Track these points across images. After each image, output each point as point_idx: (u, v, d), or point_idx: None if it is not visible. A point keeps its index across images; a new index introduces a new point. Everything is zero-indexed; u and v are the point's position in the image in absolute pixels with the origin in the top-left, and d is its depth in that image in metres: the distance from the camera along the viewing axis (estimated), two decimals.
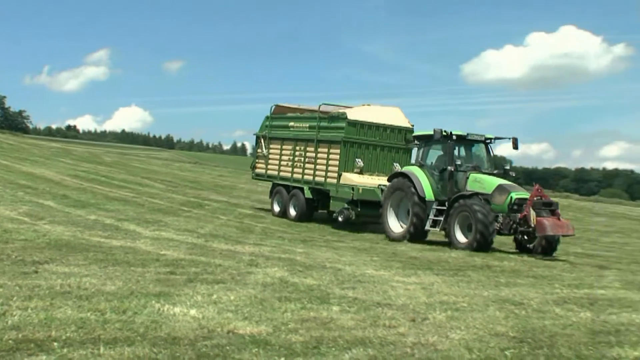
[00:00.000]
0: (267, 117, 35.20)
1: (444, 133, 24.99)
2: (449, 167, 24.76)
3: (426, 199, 24.89)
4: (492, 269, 18.37)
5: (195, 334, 8.40)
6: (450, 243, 23.65)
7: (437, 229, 24.63)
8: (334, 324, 9.63)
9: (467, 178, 24.43)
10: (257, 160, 36.07)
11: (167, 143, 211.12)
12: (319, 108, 31.51)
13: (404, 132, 30.72)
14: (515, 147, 26.25)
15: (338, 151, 29.41)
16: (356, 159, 29.42)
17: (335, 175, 29.32)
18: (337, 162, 29.41)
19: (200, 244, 18.67)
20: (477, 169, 25.07)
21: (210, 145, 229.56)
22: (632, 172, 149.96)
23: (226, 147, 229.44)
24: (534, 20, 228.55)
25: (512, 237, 24.23)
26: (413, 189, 25.04)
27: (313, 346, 8.22)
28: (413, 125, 31.00)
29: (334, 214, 29.39)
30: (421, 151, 26.72)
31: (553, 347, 8.95)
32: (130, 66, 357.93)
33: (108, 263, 13.78)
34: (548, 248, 23.24)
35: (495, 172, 25.31)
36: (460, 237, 23.45)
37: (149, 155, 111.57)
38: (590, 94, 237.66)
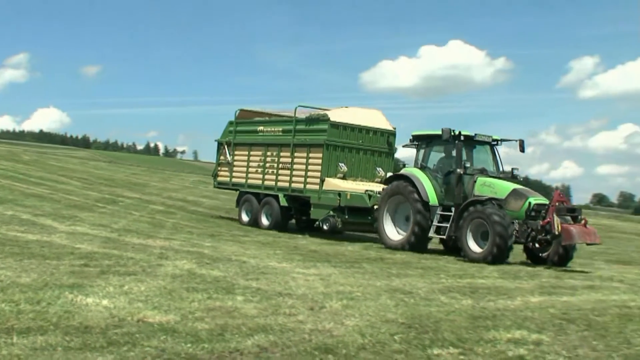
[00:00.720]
0: (230, 123, 31.74)
1: (453, 133, 22.02)
2: (458, 170, 21.70)
3: (430, 203, 21.95)
4: (385, 261, 18.66)
5: (106, 323, 8.27)
6: (463, 253, 20.58)
7: (443, 236, 21.96)
8: (238, 313, 9.59)
9: (475, 182, 21.48)
10: (219, 168, 32.17)
11: (84, 143, 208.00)
12: (295, 111, 28.12)
13: (387, 135, 27.91)
14: (522, 149, 23.45)
15: (320, 155, 26.24)
16: (339, 163, 26.27)
17: (317, 180, 26.12)
18: (319, 167, 26.19)
19: (114, 238, 18.42)
20: (485, 172, 22.14)
21: (124, 145, 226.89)
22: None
23: (140, 147, 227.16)
24: (426, 35, 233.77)
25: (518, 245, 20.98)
26: (415, 194, 22.05)
27: (218, 333, 8.18)
28: (395, 128, 28.28)
29: (317, 223, 25.93)
30: (422, 153, 23.48)
31: (437, 331, 9.08)
32: (49, 70, 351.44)
33: (24, 256, 13.42)
34: (564, 257, 20.52)
35: (501, 175, 22.47)
36: (474, 246, 20.36)
37: (66, 154, 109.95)
38: (475, 102, 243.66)
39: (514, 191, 20.85)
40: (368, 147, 27.22)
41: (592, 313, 11.31)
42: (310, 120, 27.25)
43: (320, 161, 26.14)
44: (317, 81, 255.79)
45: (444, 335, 8.88)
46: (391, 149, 27.93)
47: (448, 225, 21.33)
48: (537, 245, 20.66)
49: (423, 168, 22.98)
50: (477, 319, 10.20)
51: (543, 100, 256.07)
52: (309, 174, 26.55)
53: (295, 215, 28.50)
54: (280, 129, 28.67)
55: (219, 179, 32.32)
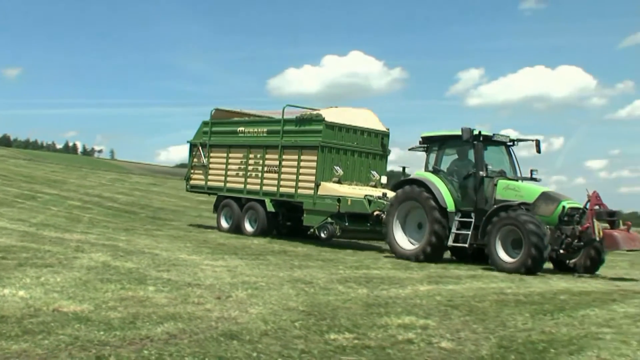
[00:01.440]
0: (205, 123, 28.16)
1: (473, 133, 19.09)
2: (481, 173, 18.79)
3: (447, 210, 19.05)
4: (288, 253, 18.79)
5: (22, 313, 8.13)
6: (491, 262, 17.70)
7: (464, 245, 18.79)
8: (149, 302, 9.51)
9: (495, 185, 18.73)
10: (192, 171, 28.62)
11: (5, 141, 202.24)
12: (283, 111, 24.94)
13: (380, 136, 24.91)
14: (538, 150, 20.37)
15: (314, 158, 23.13)
16: (334, 167, 23.23)
17: (311, 185, 23.07)
18: (313, 171, 23.12)
19: (32, 232, 18.17)
20: (503, 175, 19.41)
21: (44, 144, 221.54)
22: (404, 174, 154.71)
23: (59, 146, 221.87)
24: (329, 45, 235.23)
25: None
26: (432, 199, 19.06)
27: (129, 321, 8.09)
28: (388, 129, 25.33)
29: (311, 230, 23.07)
30: (433, 155, 20.39)
31: (335, 318, 9.13)
32: None
33: None
34: (596, 262, 18.23)
35: (519, 177, 19.67)
36: (504, 256, 17.54)
37: None
38: (373, 107, 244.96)
39: (544, 194, 18.31)
40: (362, 149, 24.36)
41: (473, 300, 11.52)
42: (302, 120, 24.11)
43: (314, 164, 23.18)
44: (229, 86, 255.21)
45: (341, 321, 8.94)
46: (385, 151, 25.12)
47: (469, 232, 18.66)
48: (562, 252, 17.73)
49: (436, 172, 20.05)
50: (371, 306, 10.28)
51: (434, 107, 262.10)
52: (302, 177, 23.59)
53: (281, 221, 25.30)
54: (265, 130, 25.46)
55: (192, 182, 28.79)
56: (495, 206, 18.12)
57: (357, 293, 11.60)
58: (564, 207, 17.67)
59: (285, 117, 24.80)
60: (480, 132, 19.15)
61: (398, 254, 19.66)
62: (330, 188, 22.66)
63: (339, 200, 21.97)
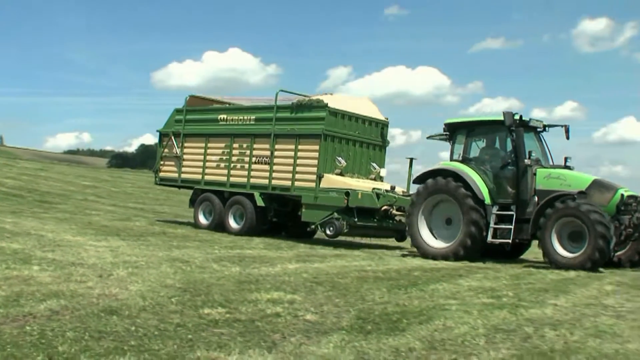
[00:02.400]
0: (177, 111, 24.05)
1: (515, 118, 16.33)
2: (525, 161, 16.04)
3: (485, 203, 16.28)
4: (168, 234, 18.57)
5: None
6: (548, 259, 15.28)
7: (508, 240, 16.21)
8: (33, 281, 9.20)
9: (534, 174, 16.16)
10: (162, 162, 24.34)
11: None
12: (277, 97, 21.12)
13: (380, 126, 21.53)
14: (568, 136, 17.55)
15: (316, 147, 19.59)
16: (337, 157, 19.78)
17: (312, 177, 19.49)
18: (314, 162, 19.57)
19: None
20: (539, 164, 16.72)
21: None
22: None
23: None
24: (209, 42, 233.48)
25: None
26: (467, 192, 16.24)
27: (13, 299, 7.81)
28: (387, 119, 21.96)
29: (313, 226, 19.78)
30: (461, 143, 17.50)
31: (209, 294, 9.07)
32: None
33: None
34: None
35: (552, 165, 16.97)
36: (562, 251, 15.04)
37: None
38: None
39: (597, 182, 15.86)
40: (364, 139, 20.95)
41: (336, 276, 11.63)
42: (301, 106, 20.38)
43: (316, 155, 19.57)
44: (114, 77, 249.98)
45: (214, 297, 8.88)
46: (384, 142, 21.70)
47: (511, 226, 16.04)
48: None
49: (466, 161, 17.16)
50: (242, 283, 10.26)
51: None
52: (300, 169, 19.92)
53: (272, 217, 21.37)
54: (253, 117, 21.59)
55: (162, 174, 24.42)
56: (550, 196, 15.49)
57: (230, 271, 11.55)
58: (622, 195, 15.58)
59: (278, 103, 21.08)
60: (521, 116, 16.48)
61: (427, 252, 16.72)
62: (336, 180, 19.27)
63: (347, 193, 18.61)
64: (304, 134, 19.99)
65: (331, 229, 18.69)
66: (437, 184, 16.76)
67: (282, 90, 21.44)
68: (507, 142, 16.78)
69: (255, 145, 21.20)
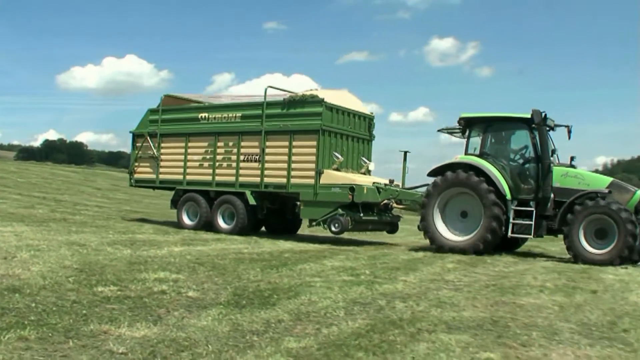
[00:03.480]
0: (151, 111, 21.24)
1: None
2: (552, 159, 15.20)
3: (506, 198, 15.01)
4: (68, 221, 18.21)
5: None
6: (574, 254, 14.33)
7: (529, 236, 15.16)
8: None
9: (551, 172, 15.10)
10: (137, 163, 21.41)
11: None
12: (266, 93, 18.58)
13: (367, 120, 19.50)
14: (570, 136, 16.30)
15: (314, 143, 17.57)
16: (334, 153, 17.82)
17: (309, 173, 17.49)
18: (312, 158, 17.54)
19: None
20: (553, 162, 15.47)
21: None
22: None
23: None
24: (108, 48, 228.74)
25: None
26: (489, 186, 14.95)
27: None
28: (372, 113, 19.87)
29: (314, 223, 17.62)
30: (478, 138, 16.14)
31: (102, 274, 8.98)
32: None
33: None
34: None
35: (560, 164, 15.66)
36: (587, 246, 14.18)
37: None
38: (145, 102, 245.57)
39: (615, 183, 14.95)
40: (354, 134, 18.94)
41: (216, 258, 11.64)
42: (293, 102, 18.12)
43: (314, 150, 17.55)
44: (18, 79, 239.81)
45: (107, 277, 8.81)
46: (371, 136, 19.69)
47: (531, 222, 14.84)
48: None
49: (484, 156, 15.75)
50: (133, 264, 10.17)
51: None
52: (296, 165, 17.83)
53: (263, 215, 19.18)
54: (239, 115, 19.09)
55: (138, 175, 21.46)
56: (578, 194, 14.56)
57: (122, 253, 11.42)
58: None
59: (267, 99, 18.60)
60: (545, 115, 15.11)
61: (443, 245, 15.39)
62: (338, 176, 17.39)
63: (352, 189, 16.86)
64: (299, 130, 17.88)
65: (336, 225, 16.79)
66: (457, 177, 15.35)
67: (270, 87, 18.99)
68: (528, 139, 15.48)
69: (243, 143, 18.81)
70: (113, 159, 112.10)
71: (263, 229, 20.36)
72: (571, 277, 11.40)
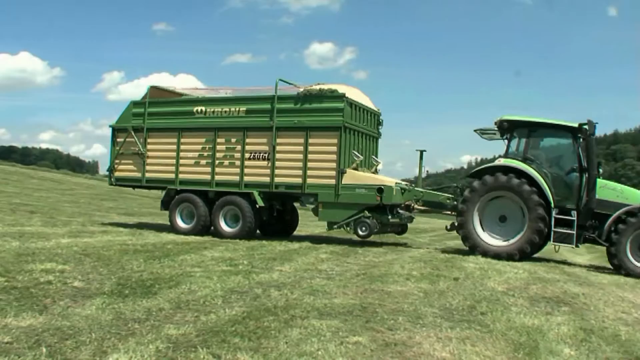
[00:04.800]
0: (135, 103, 18.22)
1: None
2: (600, 170, 14.27)
3: (551, 207, 13.81)
4: None
5: None
6: (621, 267, 13.28)
7: (571, 245, 13.79)
8: None
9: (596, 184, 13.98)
10: (118, 161, 18.35)
11: None
12: (277, 86, 16.28)
13: (376, 117, 17.65)
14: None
15: (334, 141, 15.51)
16: (353, 151, 15.98)
17: (330, 173, 15.50)
18: (333, 156, 15.54)
19: None
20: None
21: None
22: (57, 150, 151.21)
23: None
24: (2, 45, 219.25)
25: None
26: (537, 194, 13.73)
27: None
28: (379, 109, 17.85)
29: (336, 226, 15.67)
30: (521, 142, 14.65)
31: None
32: None
33: None
34: None
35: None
36: (634, 260, 13.20)
37: None
38: (37, 97, 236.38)
39: None
40: (367, 131, 17.04)
41: (102, 249, 11.33)
42: (310, 97, 15.93)
43: (334, 149, 15.55)
44: None
45: None
46: (379, 133, 17.90)
47: (573, 232, 13.65)
48: None
49: (528, 161, 14.37)
50: (21, 255, 9.79)
51: (84, 99, 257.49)
52: (313, 165, 15.73)
53: (269, 218, 17.25)
54: (244, 109, 16.61)
55: (119, 174, 18.37)
56: (629, 208, 13.55)
57: (10, 245, 10.94)
58: None
59: (279, 93, 16.34)
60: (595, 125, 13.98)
61: (486, 250, 14.00)
62: (363, 176, 15.63)
63: (379, 190, 15.15)
64: (317, 126, 15.74)
65: (364, 228, 15.20)
66: (497, 181, 14.06)
67: (281, 80, 16.55)
68: (572, 148, 14.31)
69: (248, 140, 16.46)
70: (6, 153, 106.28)
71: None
72: (436, 265, 11.72)
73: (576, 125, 13.98)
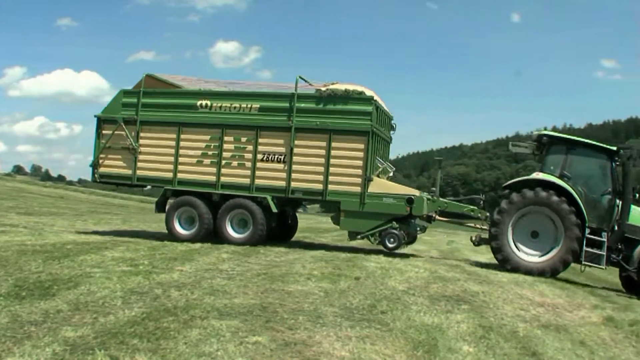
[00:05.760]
0: (126, 93, 15.87)
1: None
2: (637, 195, 13.52)
3: (586, 224, 13.17)
4: None
5: None
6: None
7: (602, 267, 13.31)
8: None
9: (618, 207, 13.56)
10: (104, 155, 15.86)
11: None
12: (297, 83, 14.72)
13: (389, 121, 16.13)
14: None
15: (361, 146, 14.10)
16: (377, 158, 14.67)
17: (355, 180, 14.10)
18: (359, 162, 14.13)
19: None
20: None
21: None
22: None
23: None
24: None
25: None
26: (574, 214, 13.06)
27: None
28: (392, 115, 16.35)
29: (360, 236, 14.48)
30: (559, 158, 13.79)
31: None
32: None
33: None
34: None
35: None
36: None
37: None
38: None
39: None
40: (385, 136, 15.68)
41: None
42: (334, 97, 14.35)
43: (361, 154, 14.13)
44: None
45: None
46: (391, 139, 16.38)
47: (603, 253, 13.09)
48: None
49: (564, 178, 13.60)
50: None
51: None
52: (336, 170, 14.28)
53: (277, 224, 15.45)
54: (257, 106, 14.81)
55: (104, 170, 15.91)
56: None
57: None
58: None
59: (299, 91, 14.76)
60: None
61: (518, 266, 13.16)
62: (391, 185, 14.54)
63: (410, 200, 14.02)
64: (341, 129, 14.28)
65: (392, 240, 14.06)
66: (537, 196, 13.30)
67: (301, 77, 15.00)
68: (608, 170, 13.70)
69: (261, 140, 14.77)
70: None
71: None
72: (337, 265, 11.54)
73: (614, 148, 13.65)
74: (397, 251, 14.52)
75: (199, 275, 9.61)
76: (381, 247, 14.49)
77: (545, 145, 14.05)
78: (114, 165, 15.84)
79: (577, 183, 13.62)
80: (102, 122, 15.93)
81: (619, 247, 13.44)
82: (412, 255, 14.78)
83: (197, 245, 14.07)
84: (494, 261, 14.13)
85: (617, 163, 13.68)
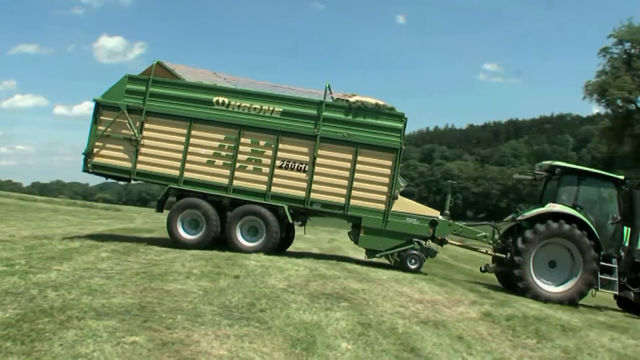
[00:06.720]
0: (132, 79, 14.19)
1: None
2: None
3: (602, 252, 13.11)
4: None
5: None
6: None
7: (615, 292, 13.19)
8: None
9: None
10: (100, 144, 14.12)
11: None
12: (326, 90, 13.79)
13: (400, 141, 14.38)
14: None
15: (389, 163, 13.45)
16: (400, 177, 13.78)
17: (378, 197, 13.45)
18: (385, 179, 13.47)
19: None
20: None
21: None
22: None
23: None
24: None
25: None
26: (593, 247, 12.84)
27: None
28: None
29: (378, 255, 13.81)
30: (570, 189, 13.60)
31: None
32: None
33: None
34: None
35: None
36: None
37: None
38: None
39: None
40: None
41: None
42: (366, 110, 13.66)
43: (388, 171, 13.46)
44: None
45: None
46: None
47: (615, 279, 13.07)
48: None
49: (577, 209, 13.41)
50: None
51: None
52: (360, 185, 13.54)
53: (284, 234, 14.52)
54: (280, 109, 13.74)
55: (98, 160, 14.16)
56: None
57: None
58: None
59: (327, 99, 13.91)
60: None
61: (538, 295, 12.79)
62: (415, 205, 14.01)
63: (434, 222, 13.66)
64: (369, 143, 13.60)
65: (413, 261, 13.49)
66: (560, 229, 13.07)
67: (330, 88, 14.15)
68: (615, 198, 13.72)
69: (282, 146, 13.77)
70: None
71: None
72: (217, 263, 11.25)
73: (622, 177, 13.78)
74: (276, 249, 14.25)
75: (77, 275, 9.24)
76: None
77: (556, 176, 14.13)
78: (111, 156, 14.26)
79: (588, 212, 13.64)
80: (100, 107, 14.30)
81: (628, 272, 13.64)
82: (293, 254, 14.77)
83: (76, 244, 13.43)
84: (375, 260, 14.33)
85: (624, 191, 13.89)
